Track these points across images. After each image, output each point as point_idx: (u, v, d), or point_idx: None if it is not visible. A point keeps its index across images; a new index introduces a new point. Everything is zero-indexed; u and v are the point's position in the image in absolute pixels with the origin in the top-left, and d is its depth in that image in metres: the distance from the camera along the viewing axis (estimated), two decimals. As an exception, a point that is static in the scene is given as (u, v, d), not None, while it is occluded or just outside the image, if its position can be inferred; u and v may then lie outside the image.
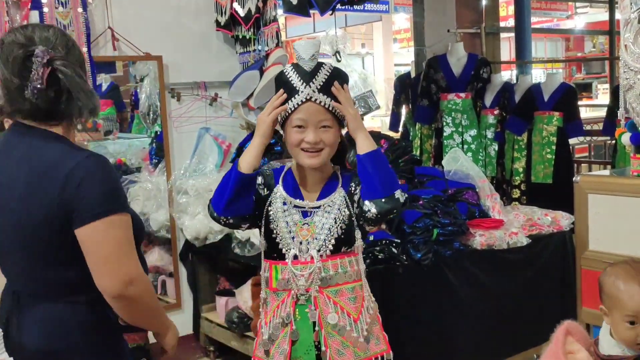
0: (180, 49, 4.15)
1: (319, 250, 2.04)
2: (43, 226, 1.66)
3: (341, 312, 2.04)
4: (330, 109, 2.02)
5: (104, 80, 4.57)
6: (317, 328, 2.04)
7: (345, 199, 2.08)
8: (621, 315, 1.75)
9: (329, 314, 2.04)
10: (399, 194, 1.98)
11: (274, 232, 2.09)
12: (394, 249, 3.10)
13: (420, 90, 5.42)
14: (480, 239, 3.41)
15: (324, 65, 2.06)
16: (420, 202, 3.36)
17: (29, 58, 1.65)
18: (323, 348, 2.03)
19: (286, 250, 2.07)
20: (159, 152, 4.31)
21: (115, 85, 4.67)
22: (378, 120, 10.61)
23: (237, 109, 4.22)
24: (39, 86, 1.64)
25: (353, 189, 2.08)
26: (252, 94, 4.10)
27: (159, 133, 4.26)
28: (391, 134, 5.36)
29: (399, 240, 3.15)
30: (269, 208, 2.11)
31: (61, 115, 1.73)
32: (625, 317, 1.74)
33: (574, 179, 2.61)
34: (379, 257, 3.05)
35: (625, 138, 2.38)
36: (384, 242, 3.11)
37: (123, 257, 1.68)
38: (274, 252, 2.11)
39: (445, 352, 3.31)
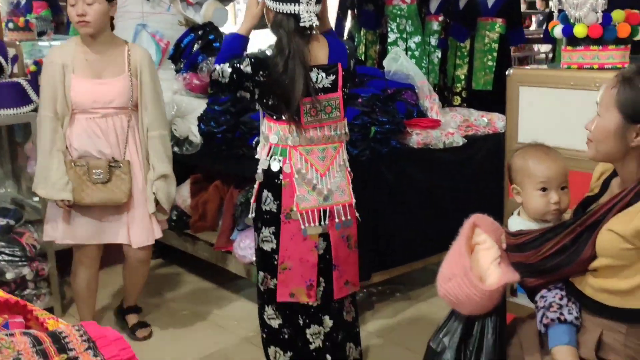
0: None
1: None
2: None
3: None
4: None
5: (39, -19, 4.40)
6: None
7: None
8: (533, 184, 1.84)
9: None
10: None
11: None
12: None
13: (365, -6, 5.34)
14: (417, 137, 3.45)
15: None
16: (359, 100, 3.36)
17: None
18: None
19: None
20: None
21: (50, -13, 4.48)
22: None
23: (175, 4, 4.09)
24: None
25: None
26: (190, -12, 3.97)
27: (94, 29, 4.11)
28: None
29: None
30: None
31: None
32: (538, 184, 1.83)
33: (506, 72, 2.65)
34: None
35: (557, 30, 2.40)
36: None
37: None
38: None
39: (380, 248, 3.40)
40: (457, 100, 5.28)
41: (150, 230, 3.04)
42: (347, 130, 2.53)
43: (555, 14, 2.43)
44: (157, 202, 3.02)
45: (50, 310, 3.18)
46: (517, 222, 1.91)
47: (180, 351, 3.15)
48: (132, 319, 3.34)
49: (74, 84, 2.88)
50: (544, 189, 1.83)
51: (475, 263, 1.86)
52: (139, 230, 3.02)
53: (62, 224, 2.97)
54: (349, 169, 2.53)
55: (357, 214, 2.57)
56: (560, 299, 1.74)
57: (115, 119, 2.95)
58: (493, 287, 1.78)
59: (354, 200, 2.51)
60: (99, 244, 3.05)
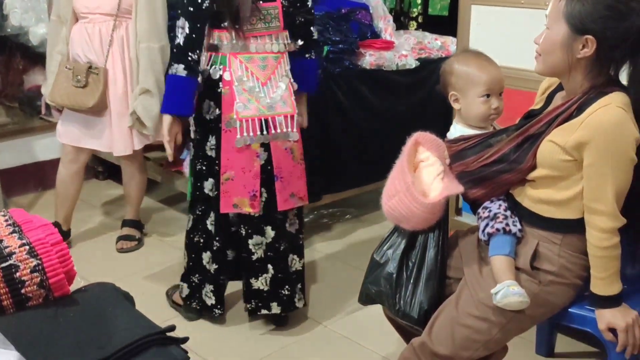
0: None
1: None
2: None
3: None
4: None
5: None
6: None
7: None
8: (476, 91, 1.84)
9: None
10: None
11: None
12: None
13: None
14: (370, 58, 3.42)
15: None
16: (312, 18, 3.29)
17: None
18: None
19: None
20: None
21: None
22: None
23: None
24: None
25: None
26: None
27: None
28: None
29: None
30: None
31: None
32: (481, 91, 1.83)
33: (459, -11, 2.61)
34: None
35: (512, -54, 2.37)
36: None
37: None
38: None
39: (331, 169, 3.40)
40: (413, 25, 5.20)
41: (128, 141, 3.10)
42: (289, 41, 2.50)
43: None
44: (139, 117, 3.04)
45: (-6, 227, 3.13)
46: (457, 129, 1.92)
47: (129, 269, 3.14)
48: (123, 231, 3.41)
49: None
50: (487, 96, 1.83)
51: (419, 179, 1.87)
52: (117, 139, 3.09)
53: (58, 124, 3.18)
54: (291, 80, 2.50)
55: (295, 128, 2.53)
56: (505, 210, 1.78)
57: (102, 25, 3.00)
58: (435, 199, 1.80)
59: (296, 112, 2.49)
60: (80, 149, 3.16)
